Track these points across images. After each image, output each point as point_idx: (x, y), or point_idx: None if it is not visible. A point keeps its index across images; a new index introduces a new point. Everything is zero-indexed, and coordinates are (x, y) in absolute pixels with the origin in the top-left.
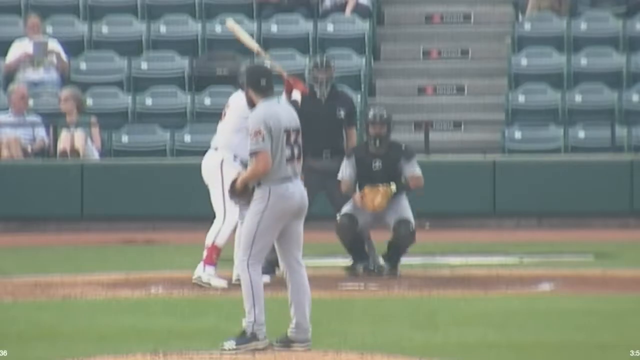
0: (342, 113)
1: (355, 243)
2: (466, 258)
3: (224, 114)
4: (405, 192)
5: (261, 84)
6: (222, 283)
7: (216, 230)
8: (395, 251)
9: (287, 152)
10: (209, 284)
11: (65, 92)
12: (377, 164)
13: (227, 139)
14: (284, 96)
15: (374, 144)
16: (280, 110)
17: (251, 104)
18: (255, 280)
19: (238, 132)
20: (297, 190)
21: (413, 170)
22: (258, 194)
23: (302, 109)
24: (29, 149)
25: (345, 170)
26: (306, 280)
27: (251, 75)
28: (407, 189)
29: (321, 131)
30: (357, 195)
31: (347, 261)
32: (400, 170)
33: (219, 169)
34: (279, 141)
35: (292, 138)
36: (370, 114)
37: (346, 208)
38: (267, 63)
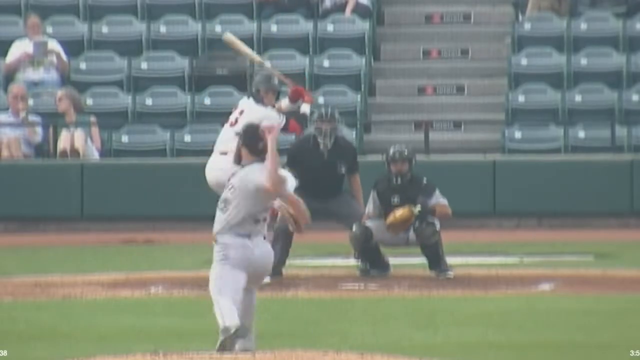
0: (343, 169)
1: (369, 253)
2: (466, 258)
3: (235, 120)
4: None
5: (258, 147)
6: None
7: None
8: (429, 254)
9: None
10: None
11: (60, 92)
12: (396, 199)
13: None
14: (287, 102)
15: (395, 181)
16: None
17: (238, 159)
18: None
19: None
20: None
21: (437, 200)
22: None
23: (303, 159)
24: (29, 139)
25: (369, 205)
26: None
27: (251, 136)
28: (432, 214)
29: (321, 183)
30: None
31: (358, 263)
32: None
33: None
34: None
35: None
36: (391, 151)
37: (368, 221)
38: (269, 71)
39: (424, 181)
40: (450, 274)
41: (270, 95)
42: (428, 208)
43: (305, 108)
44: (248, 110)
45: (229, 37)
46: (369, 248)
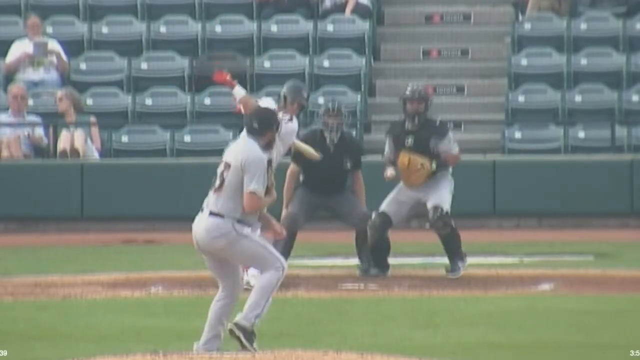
0: (348, 164)
1: (379, 249)
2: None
3: None
4: (448, 174)
5: (252, 125)
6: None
7: None
8: (445, 247)
9: (215, 181)
10: (250, 284)
11: (60, 92)
12: (410, 140)
13: None
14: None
15: (412, 121)
16: (235, 144)
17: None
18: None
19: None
20: (199, 223)
21: (448, 148)
22: None
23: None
24: (28, 137)
25: (386, 149)
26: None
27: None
28: (445, 166)
29: (326, 178)
30: (389, 171)
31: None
32: (432, 147)
33: None
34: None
35: (221, 169)
36: (408, 90)
37: (384, 204)
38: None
39: (437, 122)
40: (454, 275)
41: (296, 107)
42: (441, 163)
43: (236, 92)
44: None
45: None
46: (382, 241)
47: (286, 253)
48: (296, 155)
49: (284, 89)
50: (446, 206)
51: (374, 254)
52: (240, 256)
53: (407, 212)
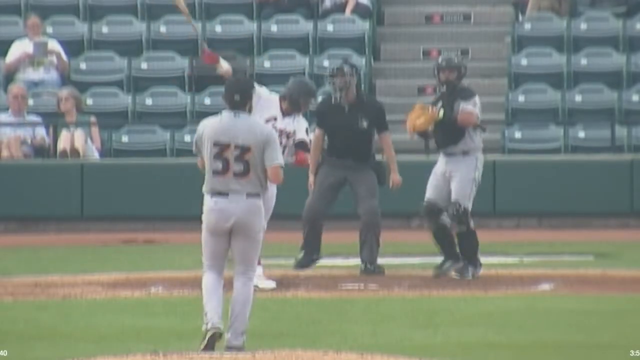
0: (364, 124)
1: (440, 238)
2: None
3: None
4: (475, 159)
5: (234, 99)
6: (271, 284)
7: None
8: (461, 249)
9: (217, 165)
10: (257, 286)
11: (66, 92)
12: (439, 105)
13: None
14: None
15: (443, 89)
16: (220, 122)
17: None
18: (204, 284)
19: None
20: (228, 207)
21: (466, 107)
22: None
23: (327, 117)
24: (29, 141)
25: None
26: (241, 293)
27: (228, 88)
28: (455, 121)
29: (343, 140)
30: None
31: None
32: (456, 109)
33: None
34: (208, 153)
35: (225, 153)
36: (440, 59)
37: (427, 193)
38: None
39: (465, 86)
40: (459, 276)
41: (307, 105)
42: (451, 116)
43: (223, 66)
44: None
45: None
46: (440, 230)
47: (316, 248)
48: (319, 120)
49: (295, 93)
50: (465, 202)
51: (440, 245)
52: (256, 243)
53: (447, 191)
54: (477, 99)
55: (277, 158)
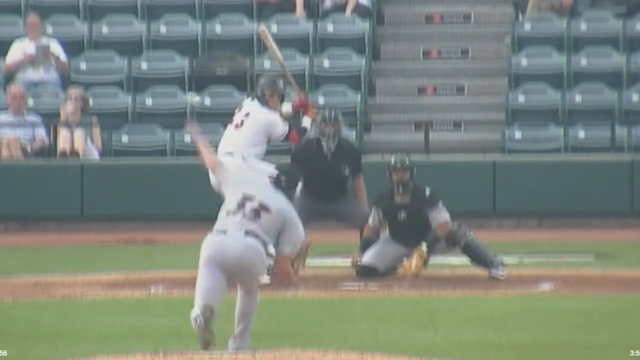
0: (346, 170)
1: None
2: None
3: (241, 122)
4: (436, 243)
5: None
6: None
7: None
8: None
9: (231, 206)
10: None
11: (76, 92)
12: (402, 215)
13: (241, 150)
14: (288, 109)
15: (397, 191)
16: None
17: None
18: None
19: (253, 146)
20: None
21: (438, 218)
22: None
23: (307, 162)
24: (29, 149)
25: (370, 219)
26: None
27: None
28: (437, 239)
29: (325, 185)
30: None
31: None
32: (426, 217)
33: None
34: (232, 194)
35: (246, 205)
36: (392, 160)
37: (366, 257)
38: (283, 71)
39: (427, 192)
40: (496, 275)
41: (275, 99)
42: (433, 239)
43: (306, 122)
44: (254, 113)
45: (263, 29)
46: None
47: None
48: (295, 162)
49: (258, 88)
50: (449, 221)
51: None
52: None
53: (395, 259)
54: (441, 203)
55: (287, 249)
